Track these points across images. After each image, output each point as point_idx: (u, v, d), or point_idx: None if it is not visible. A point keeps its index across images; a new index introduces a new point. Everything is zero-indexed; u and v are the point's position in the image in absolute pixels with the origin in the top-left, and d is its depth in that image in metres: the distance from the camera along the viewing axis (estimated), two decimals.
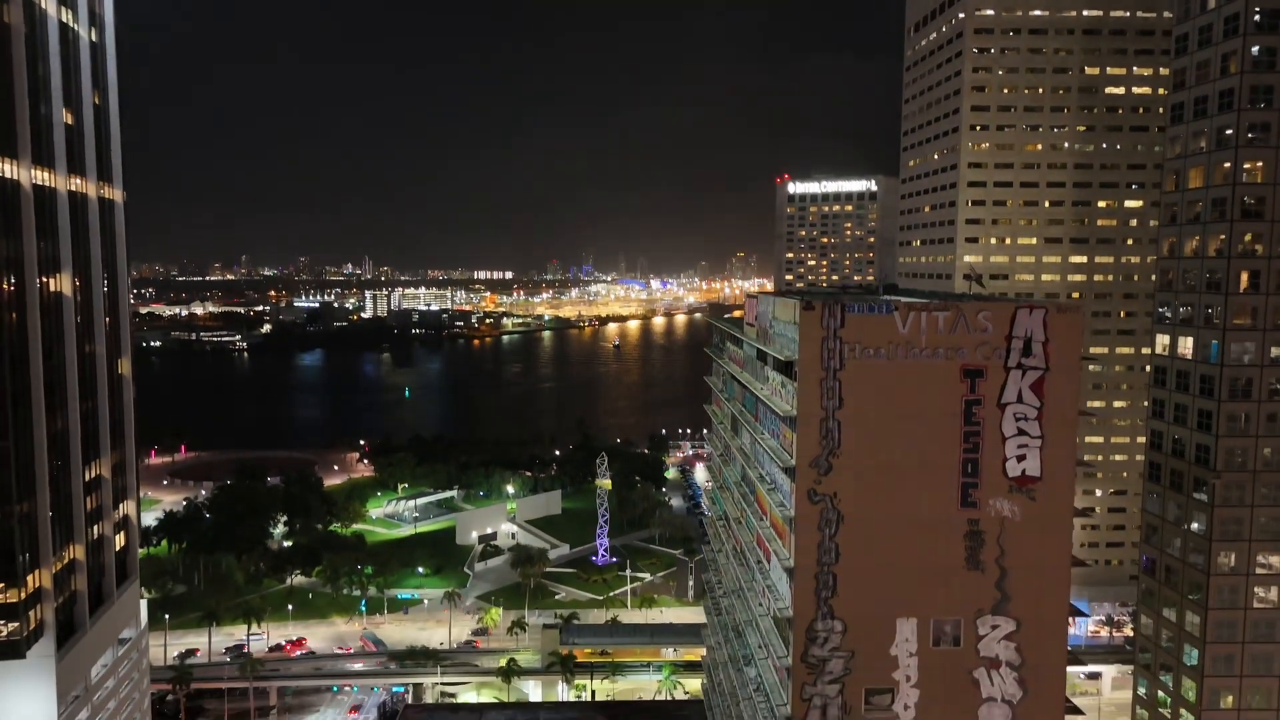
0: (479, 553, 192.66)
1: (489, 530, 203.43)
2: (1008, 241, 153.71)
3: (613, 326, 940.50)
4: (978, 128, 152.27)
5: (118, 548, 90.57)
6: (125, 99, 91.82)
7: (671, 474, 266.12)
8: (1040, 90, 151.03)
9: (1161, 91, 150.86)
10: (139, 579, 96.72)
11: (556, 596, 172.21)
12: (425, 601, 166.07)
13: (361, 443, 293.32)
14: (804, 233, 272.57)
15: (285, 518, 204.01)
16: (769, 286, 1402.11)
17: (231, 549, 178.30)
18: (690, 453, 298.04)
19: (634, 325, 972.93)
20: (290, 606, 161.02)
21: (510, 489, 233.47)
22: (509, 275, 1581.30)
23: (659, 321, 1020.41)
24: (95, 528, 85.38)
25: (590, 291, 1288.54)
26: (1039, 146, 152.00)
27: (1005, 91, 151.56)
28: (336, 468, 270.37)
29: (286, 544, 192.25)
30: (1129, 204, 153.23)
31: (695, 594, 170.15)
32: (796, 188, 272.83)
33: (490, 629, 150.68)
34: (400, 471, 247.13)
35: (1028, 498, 54.92)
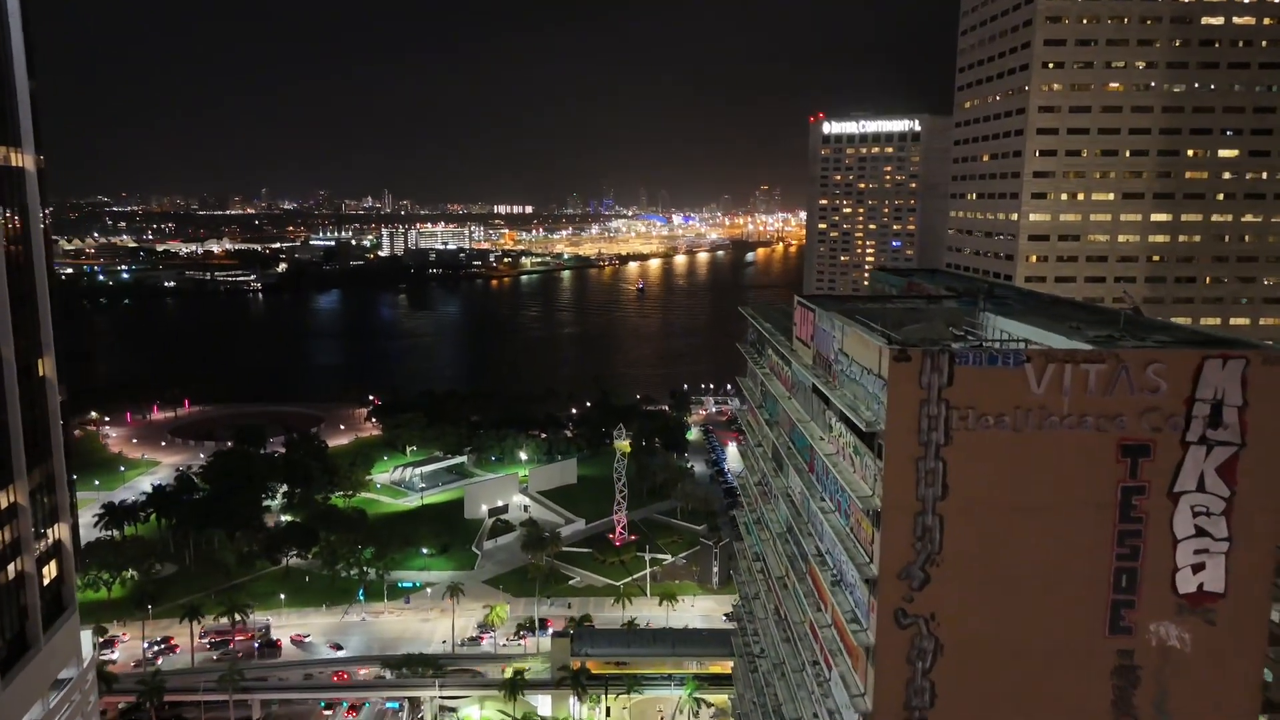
0: (488, 529, 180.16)
1: (499, 503, 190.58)
2: (1080, 197, 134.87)
3: (633, 266, 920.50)
4: (1051, 65, 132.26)
5: (46, 581, 77.09)
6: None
7: (693, 435, 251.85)
8: (1126, 20, 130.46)
9: (1267, 21, 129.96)
10: (78, 610, 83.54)
11: (570, 582, 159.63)
12: (429, 590, 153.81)
13: (370, 398, 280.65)
14: (839, 177, 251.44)
15: (285, 487, 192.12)
16: (793, 222, 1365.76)
17: (225, 524, 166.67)
18: (714, 409, 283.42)
19: (655, 264, 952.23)
20: (282, 596, 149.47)
21: (523, 455, 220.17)
22: (529, 210, 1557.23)
23: (680, 260, 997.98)
24: (12, 566, 71.73)
25: (610, 228, 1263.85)
26: (1121, 87, 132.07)
27: (1085, 22, 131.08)
28: (343, 426, 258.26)
29: (284, 518, 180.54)
30: (1223, 153, 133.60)
31: (720, 580, 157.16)
32: (832, 127, 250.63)
33: (497, 626, 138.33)
34: (409, 433, 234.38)
35: (1204, 620, 39.17)
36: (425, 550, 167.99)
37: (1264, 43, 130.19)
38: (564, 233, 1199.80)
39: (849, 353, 44.81)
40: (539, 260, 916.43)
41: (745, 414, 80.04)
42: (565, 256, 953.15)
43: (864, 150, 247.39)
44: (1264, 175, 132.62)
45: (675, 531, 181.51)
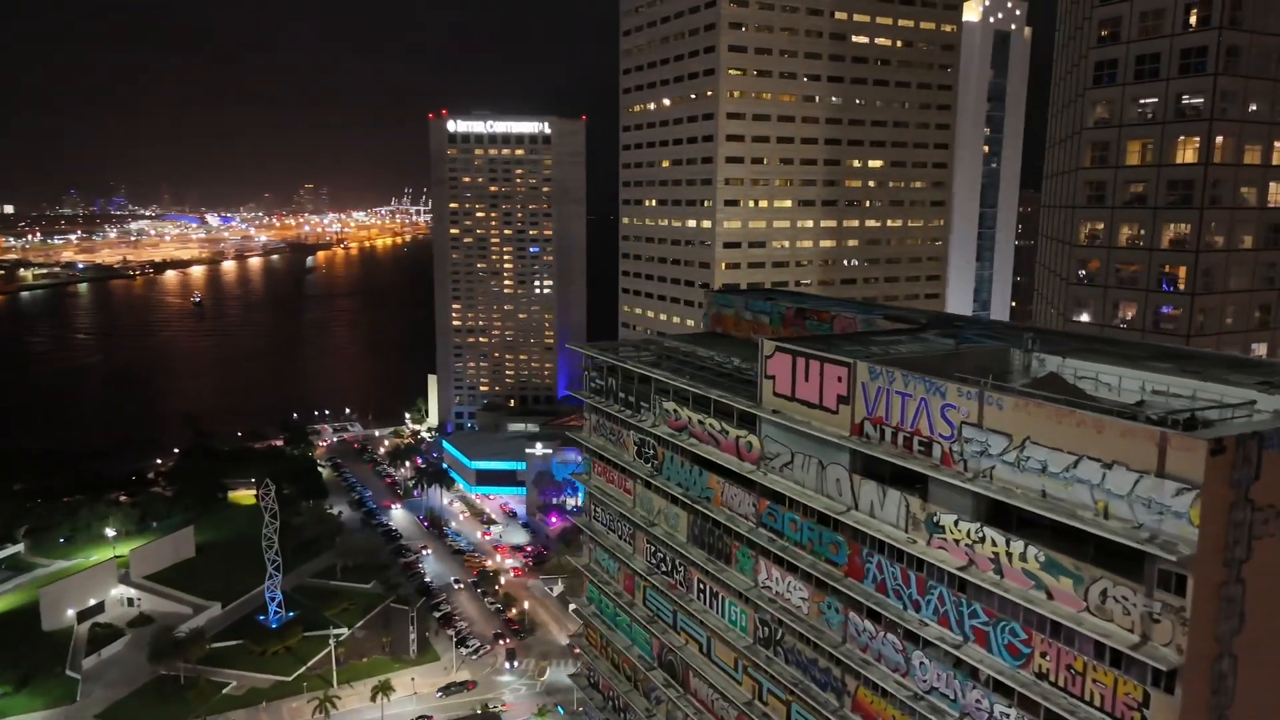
0: (83, 640, 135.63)
1: (92, 602, 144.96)
2: (764, 204, 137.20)
3: (173, 275, 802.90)
4: (733, 71, 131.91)
5: None
6: None
7: (325, 473, 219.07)
8: (795, 32, 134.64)
9: (899, 44, 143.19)
10: None
11: (226, 689, 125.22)
12: None
13: None
14: (468, 179, 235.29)
15: None
16: (351, 223, 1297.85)
17: None
18: (335, 439, 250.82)
19: (199, 272, 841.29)
20: None
21: (110, 530, 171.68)
22: (9, 210, 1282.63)
23: (230, 266, 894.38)
24: None
25: (133, 230, 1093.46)
26: (793, 98, 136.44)
27: (760, 32, 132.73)
28: None
29: None
30: (871, 164, 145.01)
31: (418, 648, 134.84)
32: (458, 126, 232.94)
33: None
34: None
35: None
36: None
37: (896, 62, 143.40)
38: (71, 237, 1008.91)
39: (1015, 433, 32.50)
40: (44, 271, 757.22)
41: (597, 482, 63.37)
42: (81, 266, 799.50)
43: (494, 152, 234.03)
44: (903, 185, 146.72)
45: (343, 596, 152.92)
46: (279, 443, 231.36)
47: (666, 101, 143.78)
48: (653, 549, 56.96)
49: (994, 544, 33.81)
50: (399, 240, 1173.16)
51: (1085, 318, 79.41)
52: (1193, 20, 69.79)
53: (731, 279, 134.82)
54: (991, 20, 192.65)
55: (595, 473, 63.48)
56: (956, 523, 35.24)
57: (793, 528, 44.22)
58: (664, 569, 55.92)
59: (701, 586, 52.24)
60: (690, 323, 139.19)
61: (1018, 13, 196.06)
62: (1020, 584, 32.91)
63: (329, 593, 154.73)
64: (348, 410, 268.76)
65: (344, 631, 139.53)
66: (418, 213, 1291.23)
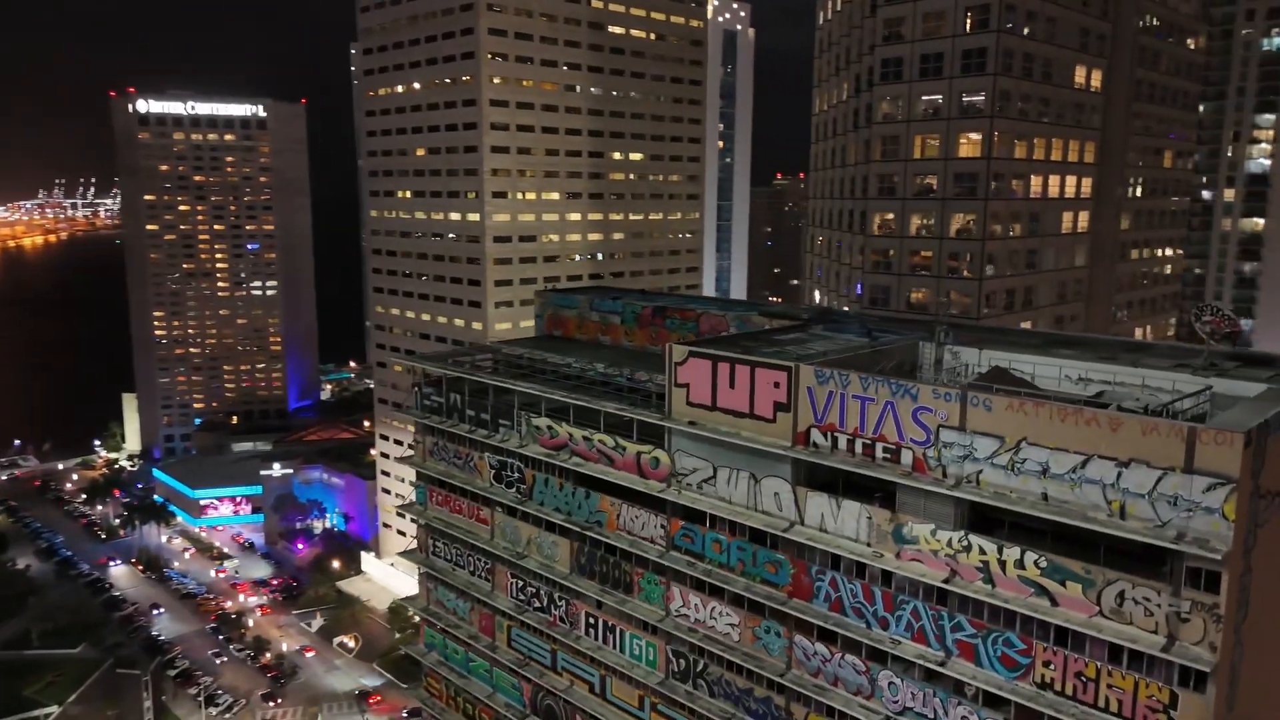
0: None
1: None
2: (532, 196, 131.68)
3: None
4: (494, 56, 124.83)
5: None
6: None
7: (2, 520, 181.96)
8: (554, 19, 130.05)
9: (653, 37, 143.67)
10: None
11: None
12: None
13: None
14: (166, 167, 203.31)
15: None
16: (22, 222, 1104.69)
17: None
18: (4, 477, 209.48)
19: None
20: None
21: None
22: None
23: None
24: None
25: None
26: (555, 86, 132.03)
27: (519, 16, 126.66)
28: None
29: None
30: (633, 156, 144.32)
31: (155, 714, 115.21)
32: (150, 107, 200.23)
33: None
34: None
35: None
36: None
37: (650, 55, 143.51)
38: None
39: (1009, 435, 30.68)
40: None
41: (437, 512, 54.94)
42: None
43: (198, 137, 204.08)
44: (661, 178, 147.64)
45: (46, 667, 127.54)
46: None
47: (417, 85, 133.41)
48: (521, 583, 50.36)
49: (982, 552, 31.94)
50: (53, 239, 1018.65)
51: (877, 304, 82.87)
52: (969, 24, 74.46)
53: (504, 274, 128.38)
54: (720, 20, 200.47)
55: (434, 503, 55.27)
56: (934, 533, 33.03)
57: (716, 548, 40.18)
58: (538, 605, 49.57)
59: (592, 621, 46.70)
60: (460, 322, 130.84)
61: (743, 14, 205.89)
62: (1017, 592, 31.28)
63: (26, 665, 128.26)
64: (17, 441, 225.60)
65: (53, 710, 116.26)
66: (74, 206, 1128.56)
